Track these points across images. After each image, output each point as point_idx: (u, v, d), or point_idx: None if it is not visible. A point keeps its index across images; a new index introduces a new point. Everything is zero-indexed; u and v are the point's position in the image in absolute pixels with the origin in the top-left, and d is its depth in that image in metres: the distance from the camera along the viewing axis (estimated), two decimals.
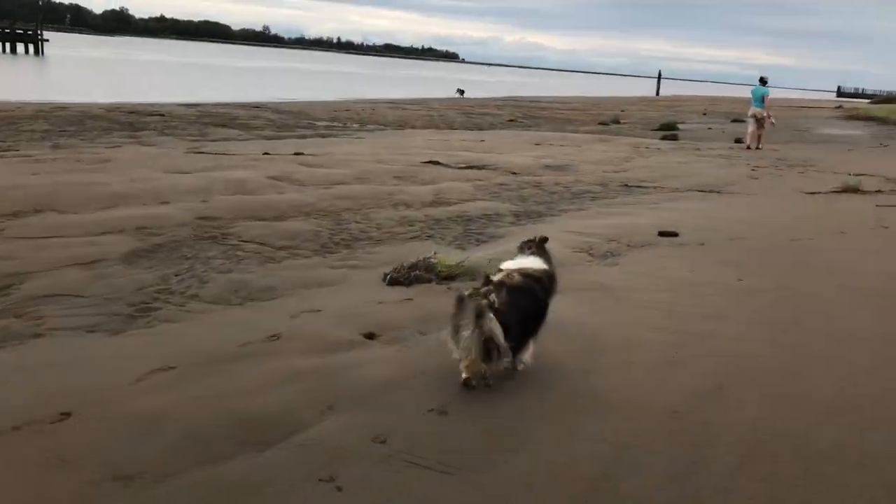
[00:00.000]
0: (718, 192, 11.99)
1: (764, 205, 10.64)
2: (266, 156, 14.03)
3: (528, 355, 4.30)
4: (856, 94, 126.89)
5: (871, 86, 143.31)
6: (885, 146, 22.21)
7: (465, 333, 3.87)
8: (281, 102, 33.93)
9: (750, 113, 20.93)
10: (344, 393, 4.05)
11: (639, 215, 9.65)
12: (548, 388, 4.09)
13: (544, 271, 4.43)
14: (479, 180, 12.35)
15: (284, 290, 6.07)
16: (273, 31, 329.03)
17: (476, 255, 7.06)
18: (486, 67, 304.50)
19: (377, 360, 4.52)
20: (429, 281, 6.15)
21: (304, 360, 4.48)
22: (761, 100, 20.65)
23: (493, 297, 3.97)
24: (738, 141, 23.51)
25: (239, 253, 7.18)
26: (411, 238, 8.21)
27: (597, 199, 11.22)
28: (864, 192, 11.66)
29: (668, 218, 9.38)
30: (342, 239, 7.93)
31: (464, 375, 4.05)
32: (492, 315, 3.88)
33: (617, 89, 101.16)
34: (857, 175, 14.10)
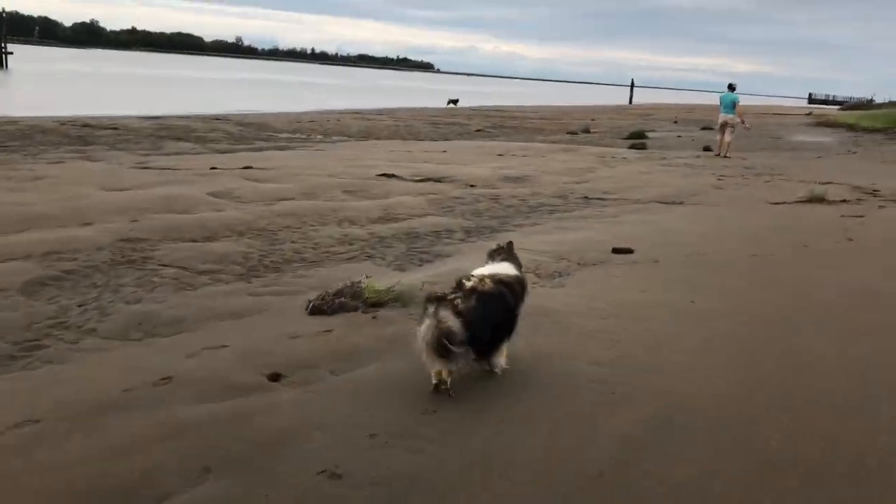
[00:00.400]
0: (681, 203, 11.59)
1: (726, 217, 10.24)
2: (214, 170, 13.42)
3: (502, 359, 4.37)
4: (826, 101, 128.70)
5: (841, 92, 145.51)
6: (853, 153, 22.08)
7: (423, 326, 3.92)
8: (245, 114, 33.24)
9: (720, 120, 20.80)
10: (227, 451, 3.49)
11: (595, 230, 9.19)
12: (453, 446, 3.54)
13: (515, 277, 4.50)
14: (434, 194, 11.85)
15: (193, 323, 5.49)
16: (247, 43, 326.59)
17: (414, 278, 6.54)
18: (463, 77, 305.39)
19: (276, 407, 3.97)
20: (354, 309, 5.60)
21: (190, 410, 3.92)
22: (731, 106, 20.48)
23: (458, 301, 4.03)
24: (707, 149, 23.30)
25: (155, 279, 6.59)
26: (349, 259, 7.66)
27: (554, 213, 10.75)
28: (830, 202, 11.32)
29: (626, 232, 8.92)
30: (272, 261, 7.36)
31: (434, 381, 4.09)
32: (450, 313, 3.93)
33: (592, 98, 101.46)
34: (824, 184, 13.80)
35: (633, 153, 20.35)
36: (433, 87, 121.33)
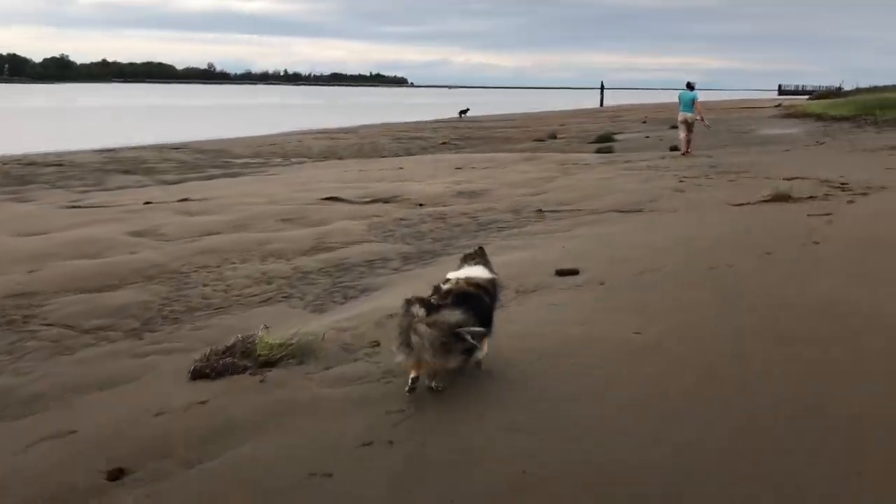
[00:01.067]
0: (639, 210, 10.90)
1: (685, 224, 9.54)
2: (147, 205, 12.60)
3: (482, 355, 4.47)
4: (796, 92, 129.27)
5: (811, 82, 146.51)
6: (822, 143, 21.56)
7: (420, 329, 3.97)
8: (206, 141, 32.37)
9: (680, 119, 20.62)
10: None
11: (543, 248, 8.45)
12: None
13: (489, 279, 4.70)
14: (378, 216, 11.09)
15: (52, 400, 4.68)
16: (219, 68, 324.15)
17: (324, 322, 5.76)
18: (437, 90, 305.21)
19: None
20: (242, 370, 4.80)
21: None
22: (691, 104, 20.26)
23: (436, 303, 4.18)
24: (674, 149, 22.78)
25: (30, 343, 5.77)
26: (263, 301, 6.88)
27: (504, 230, 10.02)
28: (796, 200, 10.66)
29: (576, 249, 8.20)
30: (173, 311, 6.56)
31: (411, 376, 4.16)
32: (435, 322, 4.01)
33: (565, 103, 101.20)
34: (791, 179, 13.17)
35: (597, 158, 19.71)
36: (408, 101, 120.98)
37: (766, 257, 7.26)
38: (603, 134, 30.81)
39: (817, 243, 7.72)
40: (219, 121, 51.12)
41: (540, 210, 11.38)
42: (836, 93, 75.24)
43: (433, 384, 4.18)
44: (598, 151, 23.98)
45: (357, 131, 38.90)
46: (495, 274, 4.87)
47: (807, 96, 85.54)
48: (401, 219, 10.87)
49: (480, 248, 5.15)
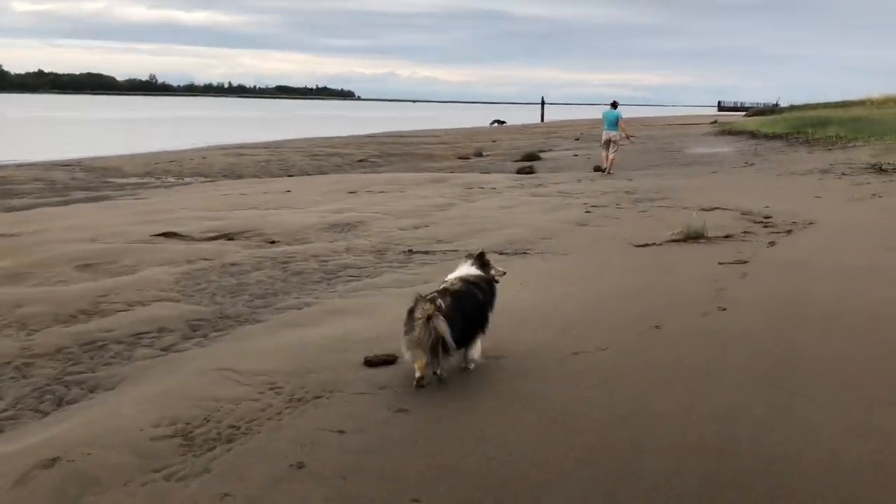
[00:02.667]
0: (525, 252, 9.04)
1: (568, 274, 7.67)
2: None
3: (476, 353, 4.84)
4: (735, 108, 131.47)
5: (749, 98, 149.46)
6: (751, 164, 20.21)
7: (415, 334, 4.42)
8: (103, 157, 29.64)
9: (604, 138, 20.49)
10: None
11: (378, 313, 6.47)
12: None
13: (481, 276, 5.10)
14: (207, 260, 8.96)
15: None
16: (161, 80, 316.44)
17: None
18: (383, 103, 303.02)
19: None
20: None
21: None
22: (615, 123, 20.14)
23: (439, 301, 4.53)
24: (598, 169, 21.37)
25: None
26: None
27: (351, 281, 8.01)
28: (710, 240, 8.95)
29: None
30: None
31: (417, 375, 4.53)
32: (441, 317, 4.41)
33: (509, 117, 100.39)
34: (709, 210, 11.54)
35: (509, 180, 17.89)
36: (354, 114, 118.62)
37: (654, 334, 5.41)
38: (530, 152, 29.24)
39: (723, 310, 5.92)
40: (136, 135, 48.13)
41: (409, 251, 9.41)
42: (772, 110, 76.01)
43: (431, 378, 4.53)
44: (520, 172, 22.46)
45: (280, 146, 36.59)
46: (491, 274, 5.25)
47: (744, 112, 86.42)
48: (233, 264, 8.75)
49: (480, 253, 5.37)
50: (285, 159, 29.01)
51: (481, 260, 5.25)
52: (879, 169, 15.72)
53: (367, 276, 8.19)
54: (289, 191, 16.58)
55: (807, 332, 5.38)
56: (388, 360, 5.06)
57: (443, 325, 4.35)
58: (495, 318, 5.11)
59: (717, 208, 11.65)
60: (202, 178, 23.28)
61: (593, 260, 8.26)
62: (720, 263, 7.60)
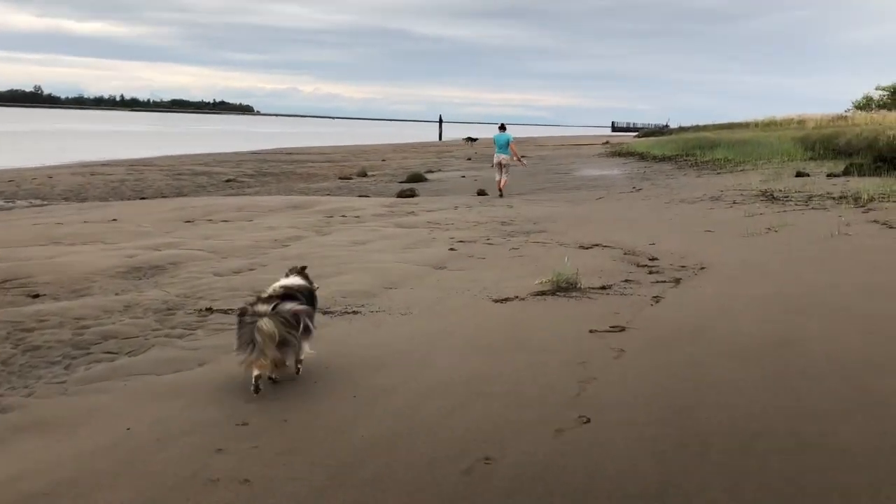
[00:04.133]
0: (357, 310, 7.08)
1: (397, 352, 5.74)
2: None
3: (307, 349, 5.03)
4: (628, 129, 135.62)
5: (641, 120, 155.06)
6: (639, 190, 19.08)
7: (262, 331, 4.59)
8: None
9: (495, 160, 20.08)
10: None
11: (85, 428, 4.33)
12: None
13: (305, 286, 5.45)
14: None
15: None
16: (47, 91, 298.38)
17: None
18: (283, 118, 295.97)
19: None
20: None
21: None
22: (506, 146, 20.10)
23: (276, 307, 4.81)
24: (482, 193, 19.88)
25: None
26: None
27: (104, 361, 5.78)
28: (583, 292, 7.27)
29: (143, 437, 4.14)
30: None
31: (255, 373, 4.69)
32: (282, 318, 4.70)
33: (409, 136, 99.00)
34: (589, 247, 9.96)
35: (379, 207, 15.92)
36: (251, 129, 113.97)
37: (476, 479, 3.52)
38: (416, 173, 27.46)
39: (587, 422, 4.12)
40: None
41: (208, 309, 7.25)
42: (662, 131, 77.89)
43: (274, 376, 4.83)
44: (400, 195, 20.69)
45: (151, 163, 33.32)
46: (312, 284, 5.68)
47: (636, 133, 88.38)
48: None
49: (302, 266, 5.94)
50: (143, 179, 26.05)
51: (303, 273, 5.74)
52: (771, 197, 14.74)
53: (128, 353, 5.99)
54: (115, 219, 14.03)
55: (701, 462, 3.64)
56: None
57: (282, 328, 4.65)
58: None
59: (597, 245, 10.09)
60: (37, 201, 20.25)
61: (433, 326, 6.37)
62: (591, 332, 5.86)
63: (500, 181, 19.51)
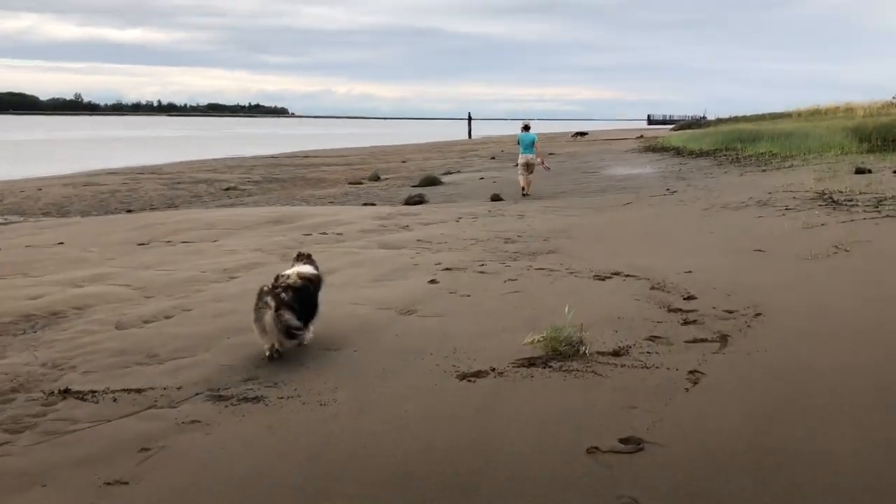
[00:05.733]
0: (263, 394, 4.98)
1: (273, 473, 3.64)
2: None
3: (309, 335, 5.81)
4: (664, 122, 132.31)
5: (678, 112, 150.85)
6: (673, 192, 16.67)
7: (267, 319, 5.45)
8: None
9: (521, 161, 19.20)
10: None
11: None
12: None
13: (315, 274, 6.13)
14: None
15: None
16: (87, 99, 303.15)
17: None
18: (317, 120, 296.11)
19: None
20: None
21: None
22: (531, 146, 19.43)
23: (283, 294, 5.58)
24: (496, 198, 17.74)
25: None
26: None
27: None
28: (588, 360, 5.08)
29: None
30: None
31: (266, 347, 5.56)
32: (286, 308, 5.47)
33: (441, 134, 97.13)
34: (607, 277, 7.74)
35: (371, 220, 13.78)
36: (285, 131, 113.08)
37: None
38: (429, 176, 25.35)
39: None
40: (3, 161, 42.35)
41: (63, 392, 5.23)
42: (699, 123, 74.62)
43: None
44: (407, 202, 18.75)
45: (159, 170, 31.88)
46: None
47: (672, 126, 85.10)
48: None
49: (308, 253, 6.65)
50: (135, 189, 24.41)
51: (311, 259, 6.47)
52: (831, 200, 12.28)
53: None
54: (62, 242, 12.20)
55: None
56: None
57: (290, 316, 5.48)
58: None
59: (617, 274, 7.85)
60: (13, 217, 18.69)
61: (353, 430, 4.24)
62: (589, 451, 3.68)
63: (525, 182, 18.88)
